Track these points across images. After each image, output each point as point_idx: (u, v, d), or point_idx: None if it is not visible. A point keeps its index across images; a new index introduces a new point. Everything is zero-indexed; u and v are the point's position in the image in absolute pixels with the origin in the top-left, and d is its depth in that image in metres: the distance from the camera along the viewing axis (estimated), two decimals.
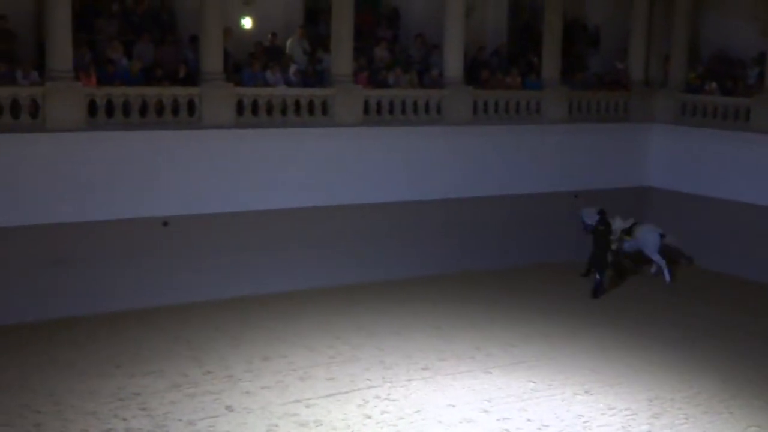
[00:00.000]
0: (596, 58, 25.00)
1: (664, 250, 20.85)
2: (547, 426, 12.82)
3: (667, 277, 20.63)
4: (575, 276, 20.64)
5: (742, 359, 15.74)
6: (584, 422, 12.99)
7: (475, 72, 21.69)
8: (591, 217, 20.17)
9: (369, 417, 12.94)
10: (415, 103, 20.48)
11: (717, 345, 16.48)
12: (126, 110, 17.35)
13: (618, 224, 20.34)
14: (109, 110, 17.20)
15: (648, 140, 23.55)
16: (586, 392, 14.10)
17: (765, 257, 20.75)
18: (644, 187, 23.63)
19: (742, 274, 21.01)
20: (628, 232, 20.53)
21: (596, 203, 20.65)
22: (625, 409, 13.48)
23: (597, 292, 19.29)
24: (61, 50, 16.79)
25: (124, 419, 12.61)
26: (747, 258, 21.13)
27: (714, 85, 22.82)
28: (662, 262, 20.74)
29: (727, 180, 21.64)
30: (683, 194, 22.64)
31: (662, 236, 20.63)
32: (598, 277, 19.34)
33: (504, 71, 22.34)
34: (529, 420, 13.00)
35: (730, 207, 21.53)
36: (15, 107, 16.49)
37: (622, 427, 12.88)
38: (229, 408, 13.09)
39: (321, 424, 12.63)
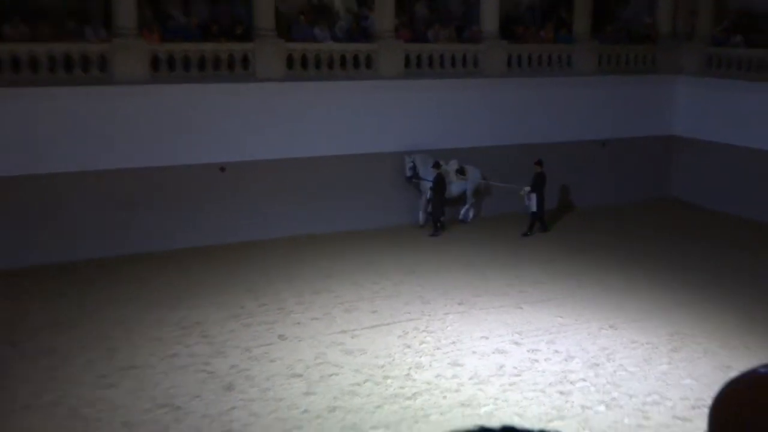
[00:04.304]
0: (625, 12, 24.63)
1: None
2: (573, 357, 12.93)
3: (469, 218, 20.39)
4: (604, 217, 20.63)
5: (763, 299, 15.61)
6: (608, 354, 13.06)
7: (510, 27, 21.56)
8: (425, 167, 19.41)
9: (408, 347, 13.20)
10: (453, 57, 20.43)
11: (739, 286, 16.31)
12: (186, 65, 17.61)
13: (451, 166, 19.73)
14: (171, 64, 17.47)
15: (674, 91, 23.21)
16: (610, 327, 14.15)
17: None
18: (669, 135, 23.40)
19: (765, 220, 20.75)
20: (461, 171, 19.91)
21: (623, 151, 20.33)
22: (647, 343, 13.51)
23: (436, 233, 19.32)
24: (126, 8, 17.05)
25: (187, 345, 13.06)
26: None
27: (739, 38, 22.40)
28: (472, 201, 20.41)
29: (750, 129, 21.28)
30: (707, 142, 22.37)
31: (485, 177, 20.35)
32: (438, 224, 19.39)
33: (538, 26, 22.17)
34: (556, 351, 13.13)
35: (753, 155, 21.22)
36: (85, 62, 16.84)
37: (644, 359, 12.94)
38: (281, 336, 13.46)
39: (365, 353, 12.94)
